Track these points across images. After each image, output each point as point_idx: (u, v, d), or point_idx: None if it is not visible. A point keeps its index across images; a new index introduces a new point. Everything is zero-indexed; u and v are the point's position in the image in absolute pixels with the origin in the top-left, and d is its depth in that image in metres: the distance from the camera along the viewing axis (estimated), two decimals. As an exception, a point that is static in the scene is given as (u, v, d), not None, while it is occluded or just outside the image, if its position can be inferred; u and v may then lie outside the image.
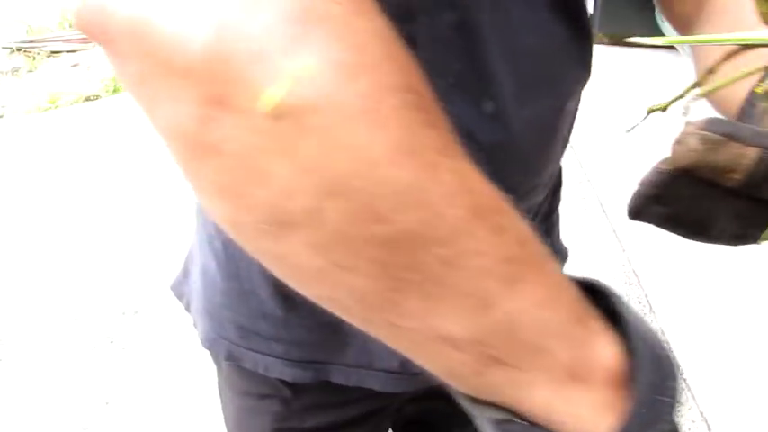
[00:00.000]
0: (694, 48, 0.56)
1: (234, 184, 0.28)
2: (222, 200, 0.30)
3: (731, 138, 0.29)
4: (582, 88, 0.62)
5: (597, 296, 0.33)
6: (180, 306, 0.76)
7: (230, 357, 0.68)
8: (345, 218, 0.27)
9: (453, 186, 0.29)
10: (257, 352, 0.66)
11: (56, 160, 3.68)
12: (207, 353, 0.72)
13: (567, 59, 0.58)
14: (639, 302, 2.25)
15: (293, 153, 0.27)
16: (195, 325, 0.73)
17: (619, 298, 0.32)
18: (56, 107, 4.60)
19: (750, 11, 0.37)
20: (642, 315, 0.31)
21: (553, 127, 0.60)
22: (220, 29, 0.27)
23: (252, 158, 0.28)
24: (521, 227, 0.32)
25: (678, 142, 0.30)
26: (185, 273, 0.76)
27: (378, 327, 0.31)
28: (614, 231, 2.64)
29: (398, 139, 0.28)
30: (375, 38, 0.30)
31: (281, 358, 0.65)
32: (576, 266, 1.88)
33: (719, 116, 0.31)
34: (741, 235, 0.35)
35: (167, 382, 2.07)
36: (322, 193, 0.27)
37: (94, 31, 0.30)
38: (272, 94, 0.27)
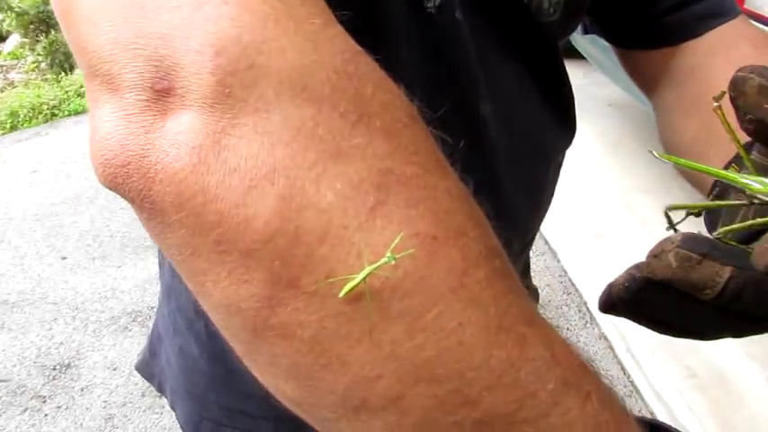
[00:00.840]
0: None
1: (306, 368, 0.27)
2: (290, 382, 0.29)
3: (707, 257, 0.29)
4: (567, 146, 0.65)
5: None
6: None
7: None
8: (432, 403, 0.27)
9: (543, 359, 0.28)
10: None
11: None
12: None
13: (550, 124, 0.60)
14: (580, 311, 2.32)
15: (376, 339, 0.26)
16: (173, 407, 0.70)
17: None
18: None
19: (718, 77, 0.39)
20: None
21: (541, 182, 0.63)
22: (286, 201, 0.26)
23: (328, 344, 0.27)
24: (601, 385, 0.31)
25: (655, 255, 0.30)
26: (152, 353, 0.73)
27: None
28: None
29: (491, 317, 0.27)
30: (456, 199, 0.29)
31: None
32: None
33: (694, 233, 0.31)
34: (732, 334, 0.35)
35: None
36: (407, 380, 0.27)
37: (131, 193, 0.27)
38: (355, 280, 0.26)
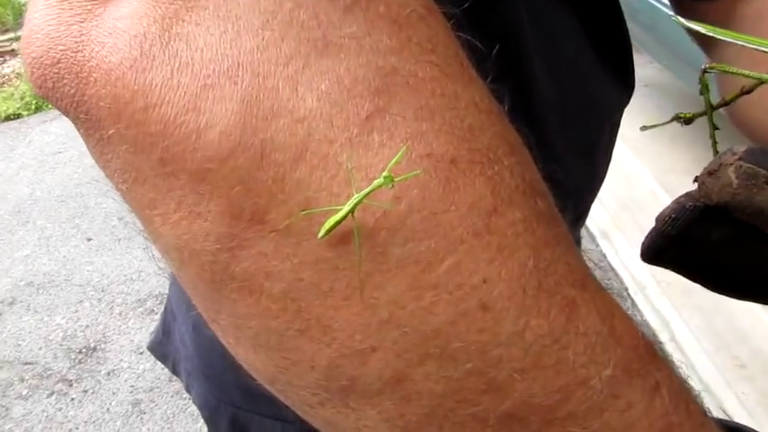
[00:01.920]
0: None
1: (278, 334, 0.22)
2: (260, 353, 0.23)
3: None
4: (624, 105, 0.57)
5: None
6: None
7: (235, 423, 0.59)
8: (444, 388, 0.21)
9: (599, 335, 0.22)
10: (266, 416, 0.57)
11: None
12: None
13: (604, 77, 0.53)
14: (620, 296, 2.23)
15: (369, 298, 0.21)
16: (188, 389, 0.64)
17: None
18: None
19: None
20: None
21: (596, 143, 0.55)
22: (251, 106, 0.20)
23: (305, 302, 0.21)
24: (673, 375, 0.24)
25: (711, 173, 0.25)
26: (165, 332, 0.67)
27: None
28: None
29: (528, 272, 0.21)
30: (486, 115, 0.23)
31: (294, 422, 0.57)
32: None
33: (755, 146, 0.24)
34: None
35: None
36: (411, 355, 0.21)
37: (64, 101, 0.22)
38: (339, 213, 0.19)
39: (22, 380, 2.09)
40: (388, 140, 0.21)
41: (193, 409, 1.94)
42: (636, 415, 0.22)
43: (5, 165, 3.62)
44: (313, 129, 0.21)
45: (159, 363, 2.10)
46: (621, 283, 2.24)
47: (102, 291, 2.46)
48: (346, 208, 0.20)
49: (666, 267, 0.29)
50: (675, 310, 2.03)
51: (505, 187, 0.22)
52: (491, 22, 0.41)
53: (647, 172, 2.76)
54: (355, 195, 0.20)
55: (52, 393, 2.04)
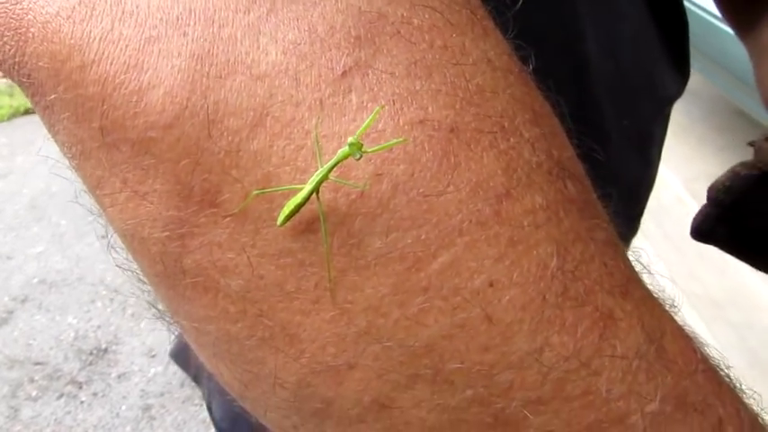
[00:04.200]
0: None
1: (239, 341, 0.18)
2: (223, 363, 0.19)
3: None
4: (678, 95, 0.52)
5: None
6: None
7: None
8: (441, 419, 0.17)
9: (643, 359, 0.17)
10: None
11: None
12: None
13: (661, 61, 0.48)
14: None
15: (343, 302, 0.17)
16: (209, 402, 0.58)
17: None
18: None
19: None
20: None
21: (651, 135, 0.50)
22: (202, 61, 0.16)
23: (267, 304, 0.17)
24: (741, 408, 0.19)
25: (767, 138, 0.23)
26: None
27: None
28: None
29: (548, 274, 0.17)
30: (501, 75, 0.18)
31: None
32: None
33: None
34: None
35: None
36: (397, 376, 0.17)
37: (6, 64, 0.19)
38: (300, 193, 0.16)
39: (32, 380, 2.06)
40: (370, 102, 0.17)
41: (205, 415, 1.90)
42: None
43: (23, 159, 3.63)
44: (276, 88, 0.17)
45: (171, 367, 2.07)
46: (648, 294, 2.19)
47: (115, 291, 2.44)
48: (308, 187, 0.16)
49: (717, 245, 0.29)
50: (705, 324, 1.97)
51: (524, 164, 0.18)
52: None
53: (675, 178, 2.70)
54: (319, 170, 0.16)
55: (62, 395, 2.01)
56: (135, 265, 0.22)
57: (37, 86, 0.19)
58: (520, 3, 0.28)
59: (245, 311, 0.18)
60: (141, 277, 0.22)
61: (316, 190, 0.16)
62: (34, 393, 2.01)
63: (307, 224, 0.17)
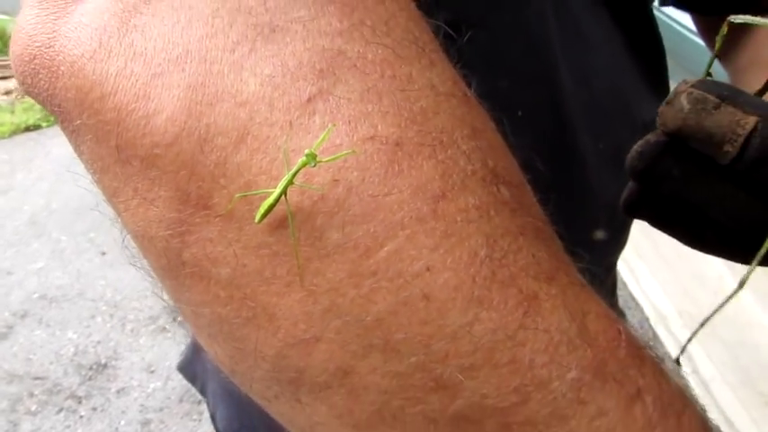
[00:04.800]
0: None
1: (228, 322, 0.22)
2: (216, 342, 0.23)
3: (727, 101, 0.24)
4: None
5: None
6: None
7: None
8: (392, 384, 0.20)
9: (565, 333, 0.20)
10: None
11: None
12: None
13: (638, 86, 0.51)
14: (641, 327, 2.19)
15: (310, 285, 0.20)
16: (213, 413, 0.62)
17: None
18: (-8, 138, 4.32)
19: None
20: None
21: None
22: (196, 91, 0.21)
23: (249, 288, 0.21)
24: (663, 382, 0.22)
25: (667, 102, 0.26)
26: (195, 350, 0.65)
27: None
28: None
29: (477, 261, 0.20)
30: (439, 97, 0.22)
31: None
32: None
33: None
34: (739, 244, 0.28)
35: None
36: (355, 346, 0.20)
37: (41, 96, 0.23)
38: (272, 195, 0.20)
39: (32, 395, 2.07)
40: (330, 123, 0.20)
41: (204, 430, 1.91)
42: (609, 424, 0.20)
43: (23, 175, 3.65)
44: (255, 112, 0.21)
45: (169, 383, 2.08)
46: (642, 313, 2.20)
47: (115, 306, 2.45)
48: (277, 190, 0.20)
49: (644, 219, 0.30)
50: (698, 342, 1.98)
51: (459, 172, 0.21)
52: (520, 28, 0.40)
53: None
54: (285, 176, 0.20)
55: (61, 410, 2.02)
56: (145, 263, 0.26)
57: (65, 114, 0.23)
58: (466, 35, 0.33)
59: (232, 296, 0.22)
60: (151, 273, 0.26)
61: (284, 193, 0.20)
62: (34, 408, 2.02)
63: (279, 221, 0.21)
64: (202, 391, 0.64)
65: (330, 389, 0.21)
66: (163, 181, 0.22)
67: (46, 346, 2.29)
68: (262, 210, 0.20)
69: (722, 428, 0.24)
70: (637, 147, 0.27)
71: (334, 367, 0.21)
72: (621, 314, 0.68)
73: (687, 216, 0.28)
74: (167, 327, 2.33)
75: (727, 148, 0.24)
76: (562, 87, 0.42)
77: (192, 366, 0.65)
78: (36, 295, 2.53)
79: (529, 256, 0.21)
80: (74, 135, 0.24)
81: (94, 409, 2.01)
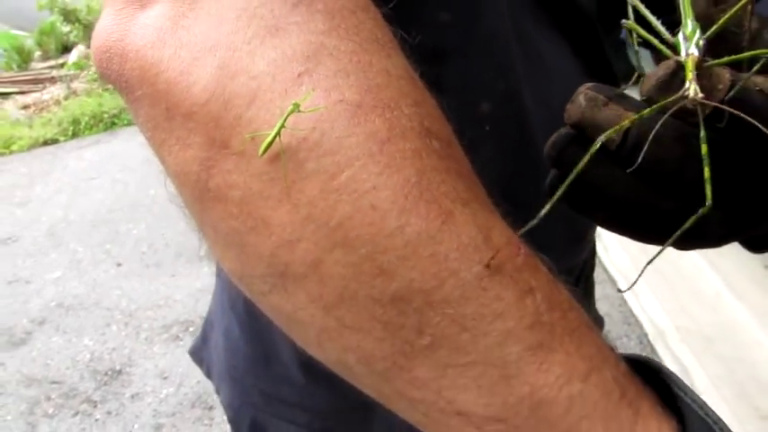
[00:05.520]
0: None
1: (237, 232, 0.29)
2: (228, 250, 0.30)
3: (613, 101, 0.31)
4: None
5: (650, 375, 0.30)
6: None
7: (255, 424, 0.65)
8: (348, 271, 0.27)
9: (471, 239, 0.27)
10: (282, 419, 0.64)
11: (15, 206, 3.59)
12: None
13: None
14: (640, 342, 2.23)
15: (294, 200, 0.27)
16: (217, 391, 0.71)
17: (676, 378, 0.29)
18: (10, 152, 4.42)
19: None
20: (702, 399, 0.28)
21: None
22: (222, 68, 0.28)
23: (253, 205, 0.28)
24: (554, 289, 0.29)
25: (571, 101, 0.32)
26: (204, 338, 0.74)
27: (389, 397, 0.30)
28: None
29: (409, 184, 0.27)
30: (392, 77, 0.30)
31: (305, 428, 0.63)
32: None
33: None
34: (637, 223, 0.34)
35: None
36: (324, 243, 0.27)
37: (113, 76, 0.31)
38: (269, 136, 0.27)
39: (49, 398, 2.14)
40: (311, 90, 0.28)
41: (214, 435, 1.97)
42: (503, 307, 0.27)
43: (41, 188, 3.74)
44: (262, 83, 0.28)
45: (182, 389, 2.13)
46: (642, 329, 2.24)
47: (130, 315, 2.53)
48: (274, 131, 0.27)
49: (564, 202, 0.33)
50: (695, 357, 2.02)
51: (401, 126, 0.28)
52: (491, 55, 0.48)
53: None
54: (279, 121, 0.27)
55: (77, 413, 2.08)
56: (180, 200, 0.34)
57: (130, 87, 0.31)
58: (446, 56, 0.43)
59: (241, 211, 0.28)
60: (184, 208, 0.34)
61: (278, 135, 0.27)
62: (51, 411, 2.09)
63: (275, 156, 0.27)
64: (208, 374, 0.73)
65: (306, 278, 0.28)
66: (197, 130, 0.29)
67: (63, 351, 2.36)
68: (263, 147, 0.27)
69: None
70: (552, 138, 0.33)
71: (310, 260, 0.27)
72: (600, 319, 0.74)
73: (594, 198, 0.34)
74: (180, 335, 2.39)
75: (613, 136, 0.30)
76: (526, 108, 0.50)
77: (200, 352, 0.75)
78: (53, 303, 2.61)
79: (449, 186, 0.28)
80: (135, 103, 0.31)
81: (109, 413, 2.08)
